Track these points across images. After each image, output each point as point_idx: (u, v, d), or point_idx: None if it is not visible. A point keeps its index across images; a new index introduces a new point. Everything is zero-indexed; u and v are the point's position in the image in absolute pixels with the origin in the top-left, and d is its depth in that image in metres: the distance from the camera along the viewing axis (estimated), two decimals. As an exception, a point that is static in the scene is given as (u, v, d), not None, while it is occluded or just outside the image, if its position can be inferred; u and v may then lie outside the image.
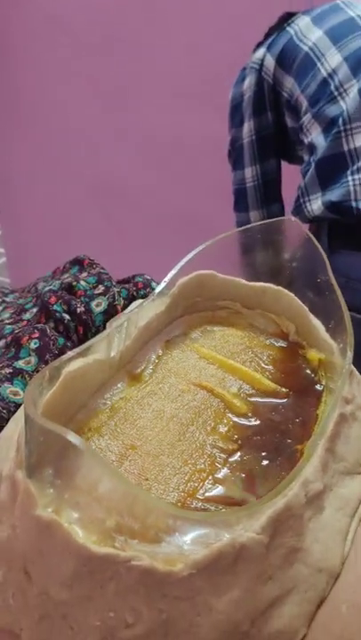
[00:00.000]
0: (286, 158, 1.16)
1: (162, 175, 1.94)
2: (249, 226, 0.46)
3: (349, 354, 0.36)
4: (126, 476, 0.33)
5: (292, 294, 0.45)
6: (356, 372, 0.40)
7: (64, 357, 0.33)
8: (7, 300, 0.57)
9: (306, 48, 0.95)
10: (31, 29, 1.92)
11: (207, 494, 0.32)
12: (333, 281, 0.41)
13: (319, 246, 0.43)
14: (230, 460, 0.34)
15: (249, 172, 1.14)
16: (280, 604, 0.28)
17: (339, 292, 0.40)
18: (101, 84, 1.90)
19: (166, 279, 0.41)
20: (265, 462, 0.34)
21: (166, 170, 1.93)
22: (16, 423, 0.36)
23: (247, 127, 1.11)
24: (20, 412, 0.37)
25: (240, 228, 0.44)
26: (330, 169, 0.91)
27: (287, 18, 1.05)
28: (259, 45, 1.11)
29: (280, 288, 0.45)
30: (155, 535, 0.28)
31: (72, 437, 0.26)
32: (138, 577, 0.26)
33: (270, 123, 1.09)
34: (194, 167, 1.91)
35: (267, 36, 1.09)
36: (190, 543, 0.27)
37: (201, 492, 0.32)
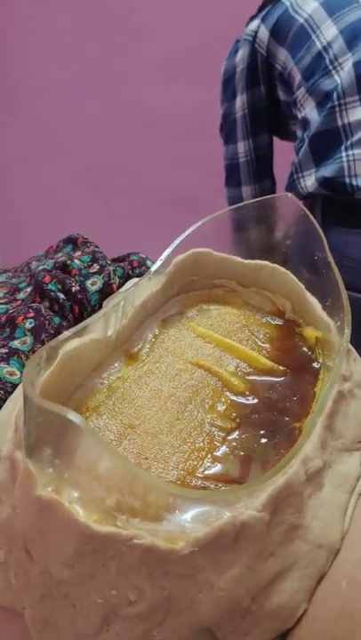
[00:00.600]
0: (278, 134, 1.15)
1: (154, 155, 1.92)
2: (244, 203, 0.45)
3: (347, 331, 0.36)
4: (125, 455, 0.32)
5: (288, 272, 0.44)
6: (353, 350, 0.40)
7: (61, 337, 0.33)
8: (0, 279, 0.56)
9: (301, 20, 0.94)
10: (23, 9, 1.87)
11: (206, 472, 0.32)
12: (331, 259, 0.41)
13: (316, 223, 0.42)
14: (229, 438, 0.34)
15: (242, 147, 1.12)
16: (281, 579, 0.28)
17: (336, 270, 0.40)
18: (93, 64, 1.87)
19: (162, 257, 0.41)
20: (263, 440, 0.34)
21: (159, 150, 1.91)
22: (13, 404, 0.36)
23: (240, 101, 1.10)
24: (17, 393, 0.36)
25: (235, 206, 0.44)
26: (324, 144, 0.90)
27: None
28: (252, 19, 1.09)
29: (276, 266, 0.45)
30: (155, 513, 0.28)
31: (72, 416, 0.25)
32: (140, 555, 0.26)
33: (263, 96, 1.07)
34: (187, 147, 1.89)
35: (261, 8, 1.07)
36: (191, 521, 0.27)
37: (200, 470, 0.32)
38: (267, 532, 0.28)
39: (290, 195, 0.44)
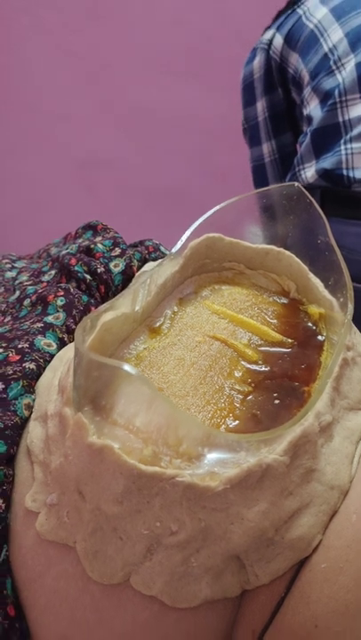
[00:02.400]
0: (297, 135, 1.20)
1: (146, 151, 1.95)
2: (253, 192, 0.49)
3: (350, 305, 0.41)
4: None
5: (292, 255, 0.49)
6: (353, 325, 0.45)
7: (101, 308, 0.37)
8: (17, 265, 0.59)
9: (311, 25, 1.00)
10: (13, 2, 1.89)
11: (229, 427, 0.36)
12: (333, 242, 0.45)
13: (319, 209, 0.47)
14: (247, 399, 0.39)
15: (266, 148, 1.18)
16: (300, 515, 0.32)
17: (338, 252, 0.44)
18: (83, 60, 1.89)
19: (182, 240, 0.45)
20: (277, 402, 0.39)
21: (151, 146, 1.95)
22: (53, 371, 0.40)
23: (260, 105, 1.16)
24: (55, 362, 0.40)
25: (245, 194, 0.48)
26: (324, 138, 0.96)
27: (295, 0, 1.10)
28: (268, 29, 1.15)
29: (281, 250, 0.49)
30: (188, 460, 0.32)
31: (127, 367, 0.29)
32: (181, 492, 0.30)
33: (281, 99, 1.14)
34: (177, 143, 1.93)
35: (275, 18, 1.13)
36: (222, 465, 0.32)
37: (223, 427, 0.36)
38: (287, 474, 0.32)
39: (296, 184, 0.48)
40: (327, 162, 0.95)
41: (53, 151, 2.00)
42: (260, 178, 1.24)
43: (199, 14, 1.80)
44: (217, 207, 0.46)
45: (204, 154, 1.92)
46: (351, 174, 0.93)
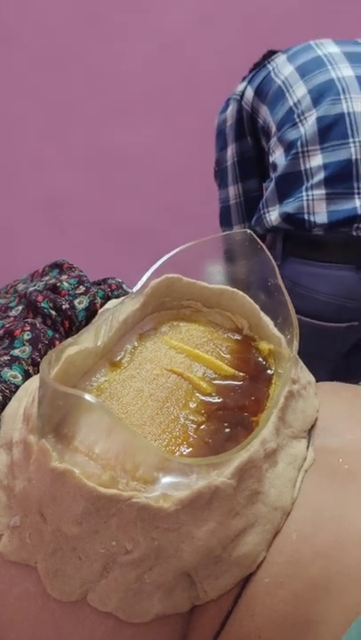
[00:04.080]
0: (263, 180, 1.28)
1: (112, 190, 2.01)
2: (210, 237, 0.53)
3: (295, 343, 0.45)
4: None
5: (245, 295, 0.53)
6: (300, 360, 0.49)
7: (65, 343, 0.40)
8: (-15, 300, 0.62)
9: (279, 81, 1.08)
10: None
11: (183, 454, 0.39)
12: (281, 283, 0.49)
13: (269, 254, 0.51)
14: (200, 428, 0.42)
15: (232, 191, 1.26)
16: (245, 533, 0.35)
17: (286, 293, 0.48)
18: (53, 100, 1.95)
19: (142, 280, 0.48)
20: (227, 430, 0.42)
21: (117, 185, 2.00)
22: (18, 401, 0.42)
23: (230, 151, 1.24)
24: (22, 392, 0.43)
25: (203, 239, 0.52)
26: (288, 184, 1.03)
27: (268, 55, 1.19)
28: (244, 79, 1.24)
29: (235, 290, 0.53)
30: (144, 484, 0.35)
31: (88, 396, 0.32)
32: (136, 512, 0.33)
33: (250, 147, 1.23)
34: (144, 183, 1.99)
35: (251, 70, 1.22)
36: (173, 489, 0.34)
37: (177, 454, 0.39)
38: (234, 496, 0.35)
39: (248, 231, 0.52)
40: (290, 206, 1.02)
41: (20, 190, 2.03)
42: (225, 219, 1.31)
43: (162, 64, 1.89)
44: (176, 250, 0.50)
45: (169, 194, 1.98)
46: (312, 219, 1.00)
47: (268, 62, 1.16)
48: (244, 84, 1.20)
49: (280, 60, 1.13)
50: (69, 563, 0.34)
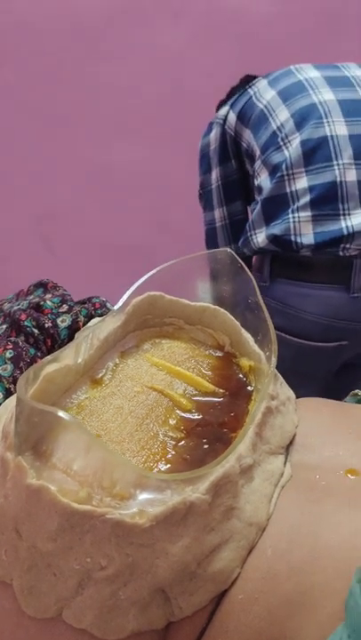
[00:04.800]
0: (248, 202, 1.29)
1: (103, 207, 2.02)
2: (192, 255, 0.54)
3: (274, 359, 0.45)
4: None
5: (227, 313, 0.53)
6: (280, 375, 0.49)
7: (44, 361, 0.40)
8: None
9: (261, 106, 1.10)
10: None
11: (161, 471, 0.39)
12: (261, 301, 0.50)
13: (250, 273, 0.52)
14: (178, 445, 0.42)
15: (218, 214, 1.28)
16: (220, 550, 0.35)
17: (265, 310, 0.49)
18: (44, 117, 1.97)
19: (124, 298, 0.49)
20: (205, 447, 0.42)
21: (108, 202, 2.02)
22: (-2, 418, 0.42)
23: (215, 174, 1.26)
24: (2, 410, 0.43)
25: (186, 257, 0.53)
26: (274, 207, 1.04)
27: (248, 80, 1.21)
28: (222, 103, 1.27)
29: (217, 307, 0.54)
30: (120, 500, 0.35)
31: (62, 413, 0.33)
32: (110, 528, 0.33)
33: (234, 169, 1.24)
34: (135, 200, 2.00)
35: (230, 94, 1.26)
36: (149, 503, 0.35)
37: (155, 470, 0.40)
38: (209, 511, 0.35)
39: (228, 250, 0.53)
40: (277, 228, 1.03)
41: (11, 206, 2.05)
42: (211, 240, 1.32)
43: (154, 85, 1.92)
44: (157, 268, 0.51)
45: (159, 211, 2.00)
46: (299, 240, 1.01)
47: (250, 87, 1.18)
48: (227, 108, 1.22)
49: (261, 84, 1.16)
50: (44, 579, 0.34)
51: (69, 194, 2.02)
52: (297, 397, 0.52)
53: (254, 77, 1.24)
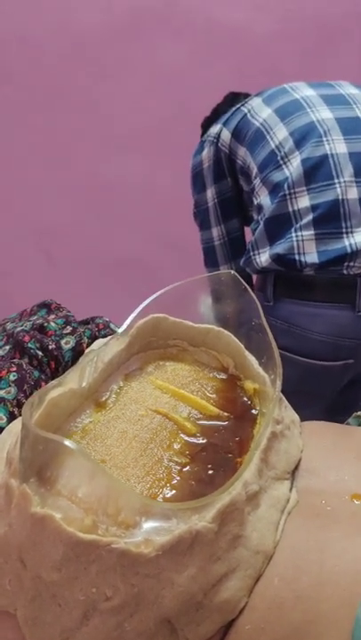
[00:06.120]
0: (244, 219, 1.29)
1: (104, 222, 2.03)
2: (195, 277, 0.54)
3: (279, 383, 0.45)
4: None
5: (231, 334, 0.53)
6: (284, 398, 0.49)
7: (49, 386, 0.40)
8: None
9: (257, 124, 1.10)
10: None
11: (166, 497, 0.39)
12: (265, 323, 0.49)
13: (253, 295, 0.51)
14: (183, 470, 0.42)
15: (216, 232, 1.28)
16: (227, 579, 0.35)
17: (269, 332, 0.49)
18: (44, 133, 1.98)
19: (127, 321, 0.49)
20: (211, 472, 0.42)
21: (109, 217, 2.02)
22: (2, 443, 0.42)
23: (210, 192, 1.26)
24: (5, 434, 0.43)
25: (189, 279, 0.53)
26: (277, 226, 1.04)
27: (233, 97, 1.21)
28: (208, 120, 1.28)
29: (221, 329, 0.54)
30: (126, 528, 0.35)
31: (67, 442, 0.32)
32: (116, 558, 0.33)
33: (230, 187, 1.24)
34: (136, 215, 2.01)
35: (215, 111, 1.26)
36: (155, 532, 0.34)
37: (160, 496, 0.39)
38: (215, 540, 0.35)
39: (232, 272, 0.53)
40: (280, 247, 1.03)
41: (12, 221, 2.05)
42: (210, 258, 1.32)
43: (154, 102, 1.93)
44: (162, 291, 0.51)
45: (159, 225, 2.01)
46: (303, 259, 1.01)
47: (243, 105, 1.19)
48: (219, 126, 1.22)
49: (255, 102, 1.16)
50: (49, 610, 0.33)
51: (70, 209, 2.03)
52: (303, 417, 0.51)
53: (239, 94, 1.24)
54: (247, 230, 1.28)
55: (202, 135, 1.30)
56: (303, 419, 0.52)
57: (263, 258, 1.06)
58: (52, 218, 2.05)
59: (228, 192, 1.24)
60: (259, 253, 1.08)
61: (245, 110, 1.16)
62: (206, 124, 1.29)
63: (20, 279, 2.03)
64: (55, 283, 1.99)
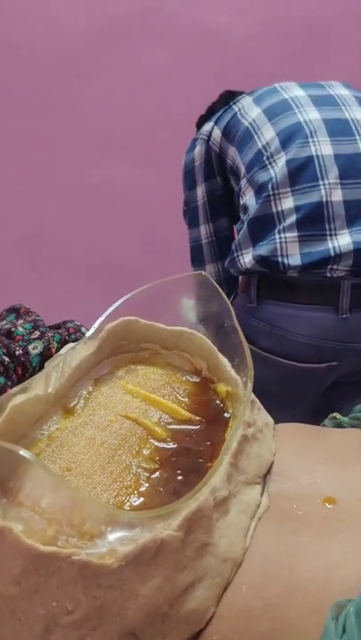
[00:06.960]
0: (233, 219, 1.29)
1: (87, 227, 2.01)
2: (168, 278, 0.53)
3: (250, 385, 0.44)
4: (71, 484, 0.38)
5: (203, 337, 0.52)
6: (257, 401, 0.48)
7: (10, 392, 0.39)
8: None
9: (246, 123, 1.10)
10: None
11: (133, 505, 0.38)
12: (237, 325, 0.49)
13: (225, 296, 0.51)
14: (152, 477, 0.41)
15: (204, 230, 1.27)
16: (193, 589, 0.34)
17: (241, 334, 0.48)
18: (32, 138, 1.96)
19: (96, 325, 0.48)
20: (180, 478, 0.41)
21: (92, 222, 2.01)
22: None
23: (200, 190, 1.25)
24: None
25: (160, 280, 0.52)
26: (260, 227, 1.03)
27: (229, 96, 1.20)
28: (203, 118, 1.27)
29: (193, 331, 0.53)
30: (90, 539, 0.34)
31: (23, 452, 0.31)
32: (76, 570, 0.32)
33: (220, 186, 1.24)
34: (120, 219, 2.00)
35: (210, 109, 1.26)
36: (119, 542, 0.33)
37: (127, 504, 0.38)
38: (181, 549, 0.34)
39: (204, 273, 0.52)
40: (263, 249, 1.02)
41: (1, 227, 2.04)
42: (197, 257, 1.31)
43: (141, 104, 1.92)
44: (131, 293, 0.50)
45: (146, 231, 2.00)
46: (286, 261, 1.00)
47: (234, 103, 1.18)
48: (211, 124, 1.22)
49: (246, 101, 1.16)
50: (9, 625, 0.32)
51: (55, 214, 2.02)
52: (285, 419, 0.51)
53: (234, 92, 1.23)
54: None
55: (196, 133, 1.30)
56: (285, 421, 0.51)
57: (247, 259, 1.06)
58: (36, 223, 2.03)
59: (217, 191, 1.24)
60: (242, 254, 1.07)
61: (236, 109, 1.15)
62: (201, 122, 1.29)
63: (3, 285, 2.01)
64: (40, 289, 1.97)
